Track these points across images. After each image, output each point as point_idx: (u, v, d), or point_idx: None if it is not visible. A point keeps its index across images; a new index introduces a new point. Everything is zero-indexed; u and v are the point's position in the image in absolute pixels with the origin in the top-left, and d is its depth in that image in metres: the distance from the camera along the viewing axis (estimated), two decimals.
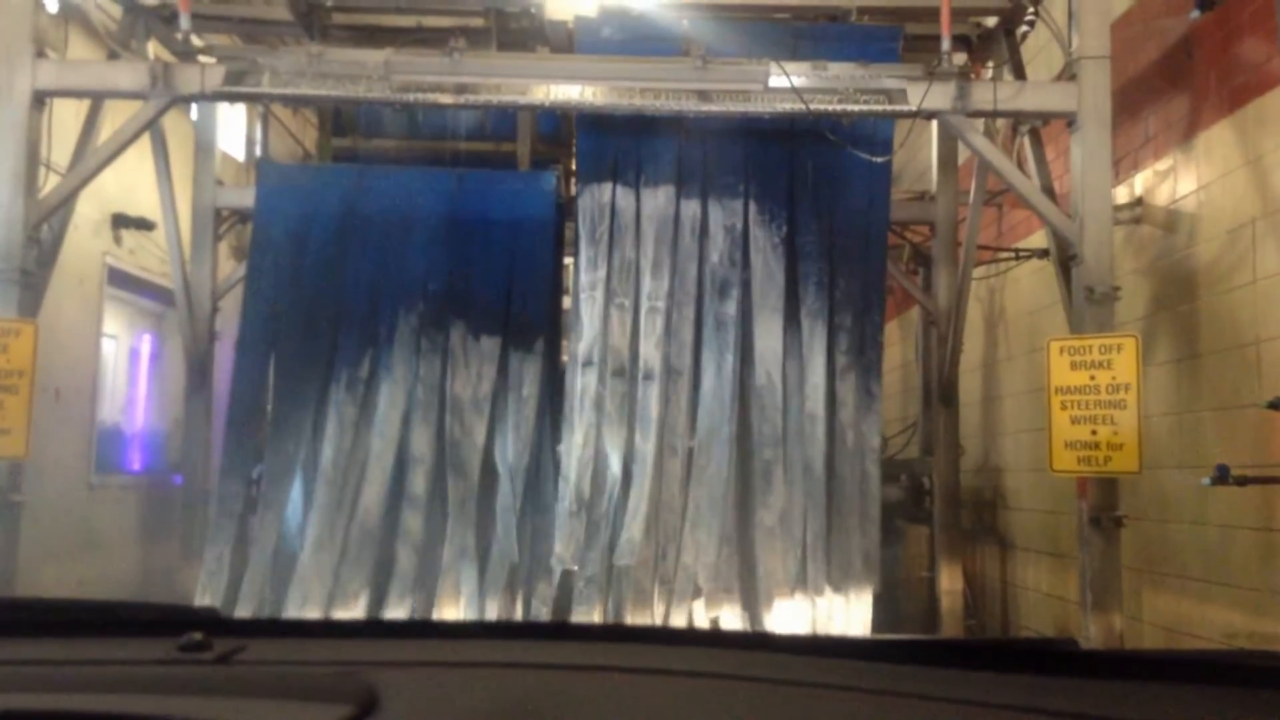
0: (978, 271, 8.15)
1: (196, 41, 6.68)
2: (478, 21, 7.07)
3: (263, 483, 6.97)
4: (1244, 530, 5.54)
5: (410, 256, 7.16)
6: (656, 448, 6.56)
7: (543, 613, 6.54)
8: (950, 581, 7.66)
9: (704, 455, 6.64)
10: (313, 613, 6.41)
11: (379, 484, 6.83)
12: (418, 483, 6.85)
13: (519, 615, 6.71)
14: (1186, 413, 6.16)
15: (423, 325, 7.08)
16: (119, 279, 9.35)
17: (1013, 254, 8.27)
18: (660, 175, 6.92)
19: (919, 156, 9.39)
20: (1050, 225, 6.29)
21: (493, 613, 6.64)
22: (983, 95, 6.20)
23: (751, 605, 6.53)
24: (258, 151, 9.12)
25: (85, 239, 8.47)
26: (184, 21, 6.35)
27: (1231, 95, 5.80)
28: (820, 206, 6.95)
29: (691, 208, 6.91)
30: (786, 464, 6.65)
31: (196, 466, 7.73)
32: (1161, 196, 6.54)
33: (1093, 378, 5.70)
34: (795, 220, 6.94)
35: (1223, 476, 5.14)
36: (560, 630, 2.76)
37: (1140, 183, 6.78)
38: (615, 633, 1.94)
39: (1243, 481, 5.12)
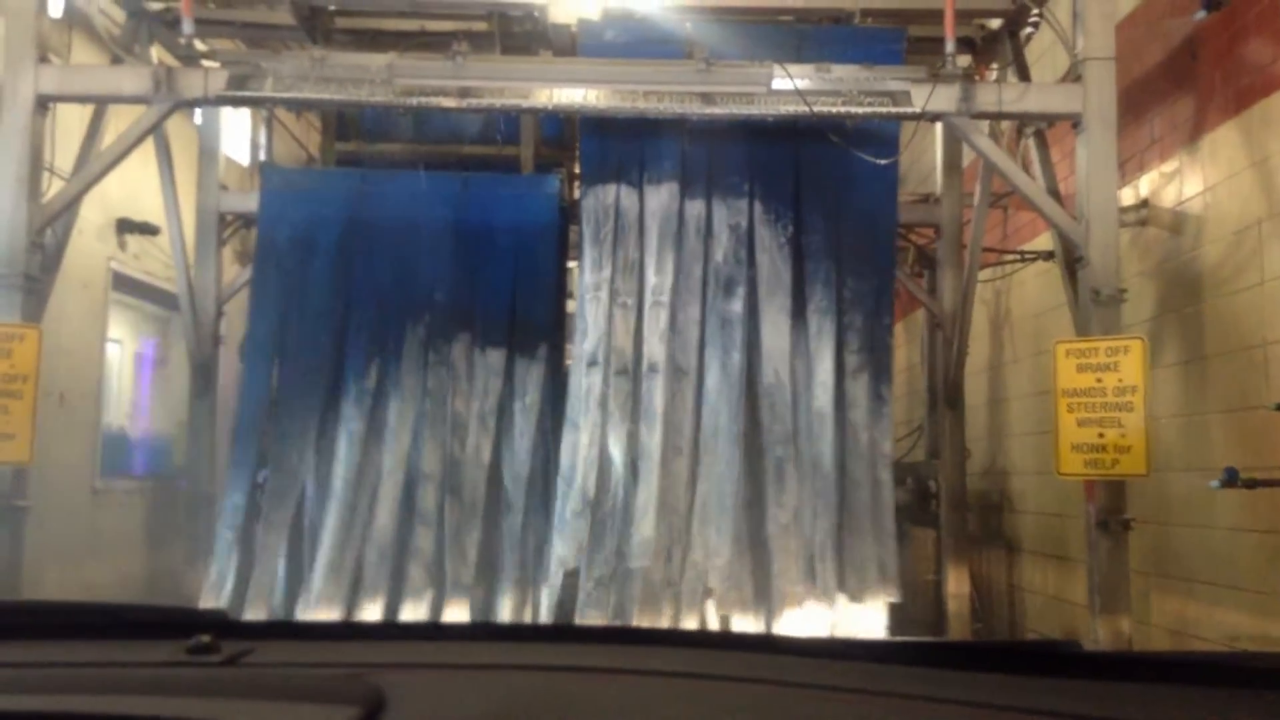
0: (983, 274, 8.14)
1: (200, 46, 6.68)
2: (481, 25, 7.07)
3: (266, 501, 6.86)
4: (1253, 533, 5.52)
5: (415, 262, 7.14)
6: (662, 444, 6.52)
7: (548, 616, 6.50)
8: (957, 585, 7.64)
9: (711, 453, 6.60)
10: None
11: (391, 502, 6.77)
12: (428, 499, 6.80)
13: (526, 619, 6.69)
14: (1194, 415, 6.14)
15: (430, 336, 7.05)
16: (123, 284, 9.38)
17: (1018, 256, 8.26)
18: (664, 175, 6.91)
19: (923, 159, 9.39)
20: (1056, 227, 6.28)
21: (500, 617, 6.62)
22: (987, 97, 6.19)
23: (764, 606, 6.49)
24: (262, 156, 9.12)
25: (90, 244, 8.49)
26: (187, 26, 6.35)
27: (1238, 96, 5.78)
28: (827, 206, 6.93)
29: (696, 207, 6.90)
30: (798, 462, 6.61)
31: (201, 470, 7.72)
32: (1167, 198, 6.52)
33: (1099, 380, 5.69)
34: (801, 219, 6.92)
35: (1231, 479, 5.12)
36: (566, 632, 2.75)
37: (1146, 184, 6.77)
38: (621, 635, 1.94)
39: (1252, 484, 5.10)
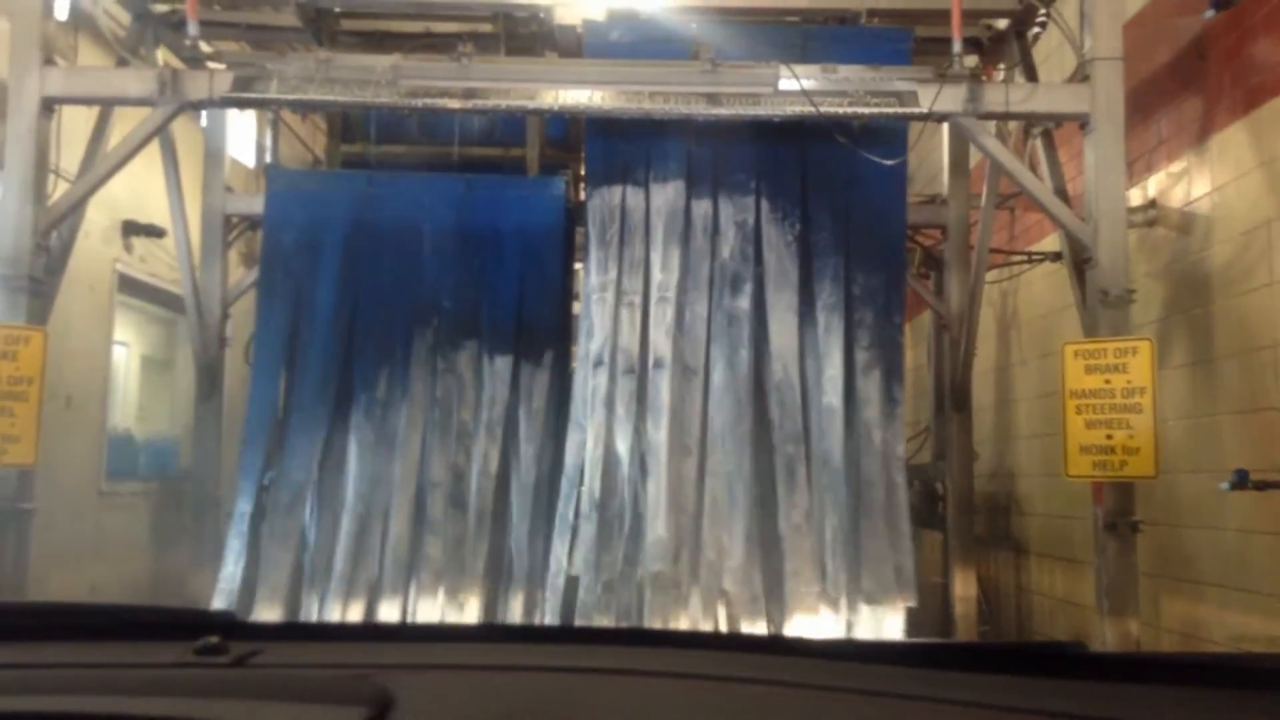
0: (990, 275, 8.12)
1: (205, 48, 6.69)
2: (486, 27, 7.08)
3: (274, 511, 6.81)
4: (1263, 535, 5.49)
5: (421, 265, 7.13)
6: (670, 441, 6.47)
7: (555, 619, 6.47)
8: (964, 587, 7.61)
9: (719, 451, 6.56)
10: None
11: (404, 512, 6.76)
12: (436, 508, 6.79)
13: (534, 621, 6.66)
14: (1203, 417, 6.11)
15: (438, 342, 7.03)
16: (129, 286, 9.39)
17: (1026, 257, 8.24)
18: (670, 175, 6.89)
19: (930, 159, 9.37)
20: (1064, 228, 6.26)
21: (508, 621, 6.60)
22: (994, 97, 6.17)
23: (777, 607, 6.44)
24: (267, 158, 9.13)
25: (95, 246, 8.50)
26: (192, 28, 6.35)
27: (1246, 96, 5.76)
28: (835, 204, 6.90)
29: (702, 205, 6.87)
30: (810, 459, 6.57)
31: (207, 473, 7.73)
32: (1176, 199, 6.50)
33: (1108, 381, 5.66)
34: (809, 217, 6.89)
35: (1242, 481, 5.10)
36: (574, 634, 2.75)
37: (1154, 185, 6.75)
38: (628, 636, 1.94)
39: (1262, 486, 5.08)
